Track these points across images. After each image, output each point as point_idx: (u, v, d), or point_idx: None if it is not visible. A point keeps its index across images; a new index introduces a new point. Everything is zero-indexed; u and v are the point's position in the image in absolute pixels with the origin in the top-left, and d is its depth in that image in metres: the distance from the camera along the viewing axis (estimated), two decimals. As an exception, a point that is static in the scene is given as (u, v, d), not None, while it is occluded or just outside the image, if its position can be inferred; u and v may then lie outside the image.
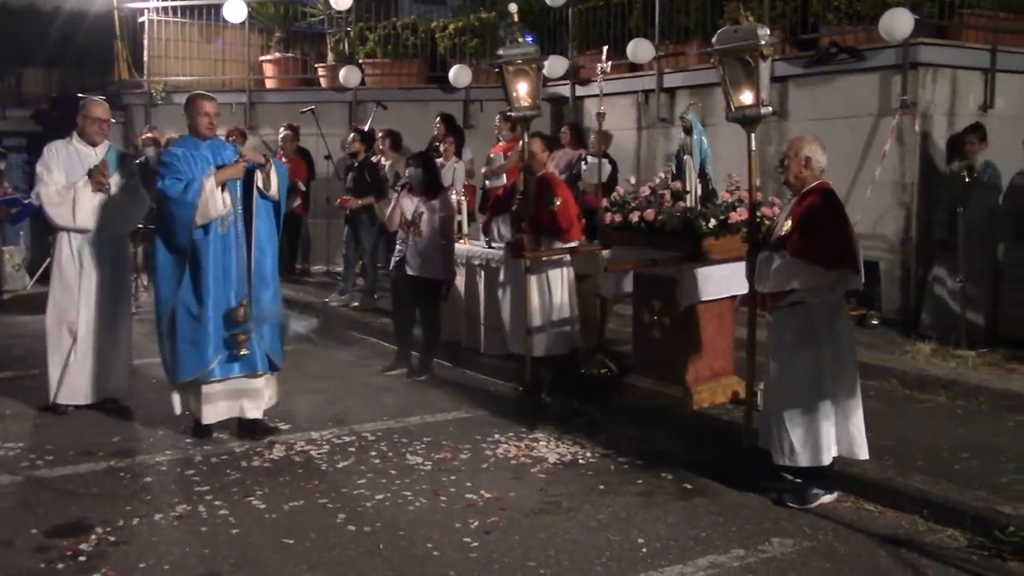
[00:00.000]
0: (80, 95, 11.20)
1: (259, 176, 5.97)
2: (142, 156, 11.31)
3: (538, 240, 6.86)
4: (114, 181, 6.52)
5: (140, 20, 14.13)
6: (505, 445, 6.10)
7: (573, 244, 7.06)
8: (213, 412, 6.04)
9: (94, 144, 6.57)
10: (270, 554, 4.47)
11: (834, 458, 5.07)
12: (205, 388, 5.98)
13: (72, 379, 6.49)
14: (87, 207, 6.41)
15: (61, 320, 6.48)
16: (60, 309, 6.49)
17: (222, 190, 5.84)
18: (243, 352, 5.90)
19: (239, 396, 6.09)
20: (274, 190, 6.05)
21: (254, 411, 6.14)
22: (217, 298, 5.87)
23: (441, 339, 8.05)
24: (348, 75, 12.85)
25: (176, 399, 6.10)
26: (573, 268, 7.19)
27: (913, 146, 8.66)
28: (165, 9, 14.17)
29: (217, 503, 5.05)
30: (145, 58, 14.02)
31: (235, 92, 13.91)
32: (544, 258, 6.91)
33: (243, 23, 13.71)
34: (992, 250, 8.03)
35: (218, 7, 13.55)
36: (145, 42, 14.02)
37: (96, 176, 6.43)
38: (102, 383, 6.58)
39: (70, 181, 6.39)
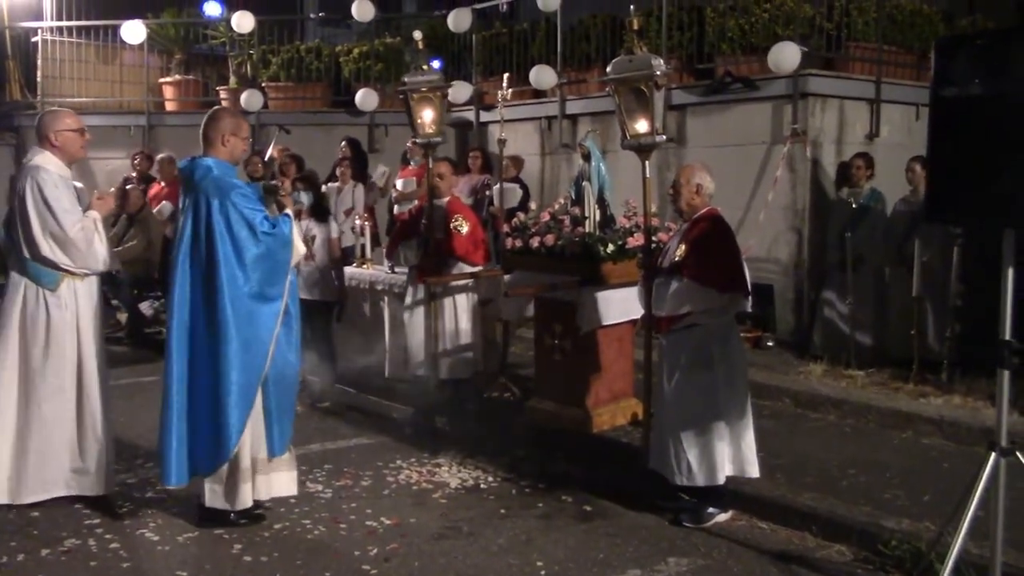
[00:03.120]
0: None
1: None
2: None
3: (443, 265, 6.90)
4: None
5: (33, 40, 13.74)
6: (407, 471, 6.08)
7: (478, 268, 7.12)
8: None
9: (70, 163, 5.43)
10: (163, 588, 4.38)
11: (727, 477, 5.20)
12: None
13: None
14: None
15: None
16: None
17: None
18: None
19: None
20: None
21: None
22: None
23: (343, 364, 7.99)
24: (250, 99, 12.72)
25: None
26: (476, 292, 7.25)
27: (804, 173, 8.97)
28: (60, 29, 13.81)
29: (108, 536, 4.91)
30: (39, 79, 13.63)
31: (133, 114, 13.62)
32: (445, 283, 6.95)
33: (142, 45, 13.43)
34: (879, 273, 8.36)
35: (115, 28, 13.27)
36: (39, 62, 13.62)
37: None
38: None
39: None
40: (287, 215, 5.07)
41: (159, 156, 11.60)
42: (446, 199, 7.03)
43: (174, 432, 4.86)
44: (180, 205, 5.15)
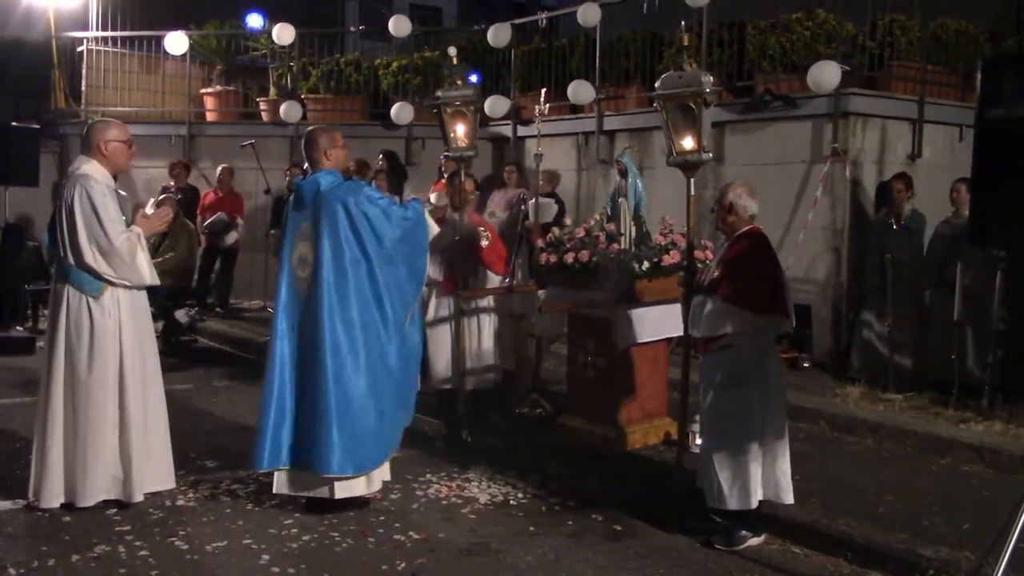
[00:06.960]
0: (14, 123, 11.01)
1: None
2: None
3: (466, 280, 6.92)
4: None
5: (79, 49, 13.97)
6: (437, 485, 6.05)
7: (499, 279, 7.13)
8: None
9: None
10: (190, 597, 4.38)
11: (760, 501, 5.11)
12: None
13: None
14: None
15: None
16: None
17: None
18: None
19: None
20: None
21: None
22: None
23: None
24: (289, 110, 12.82)
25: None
26: (512, 307, 7.25)
27: (843, 192, 8.86)
28: (104, 39, 14.02)
29: (137, 543, 4.92)
30: (83, 88, 13.85)
31: (175, 124, 13.79)
32: (479, 297, 6.97)
33: (184, 55, 13.59)
34: (919, 296, 8.22)
35: (159, 39, 13.45)
36: (83, 72, 13.85)
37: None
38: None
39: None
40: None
41: (221, 167, 11.73)
42: (466, 212, 7.13)
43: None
44: (289, 222, 5.45)
